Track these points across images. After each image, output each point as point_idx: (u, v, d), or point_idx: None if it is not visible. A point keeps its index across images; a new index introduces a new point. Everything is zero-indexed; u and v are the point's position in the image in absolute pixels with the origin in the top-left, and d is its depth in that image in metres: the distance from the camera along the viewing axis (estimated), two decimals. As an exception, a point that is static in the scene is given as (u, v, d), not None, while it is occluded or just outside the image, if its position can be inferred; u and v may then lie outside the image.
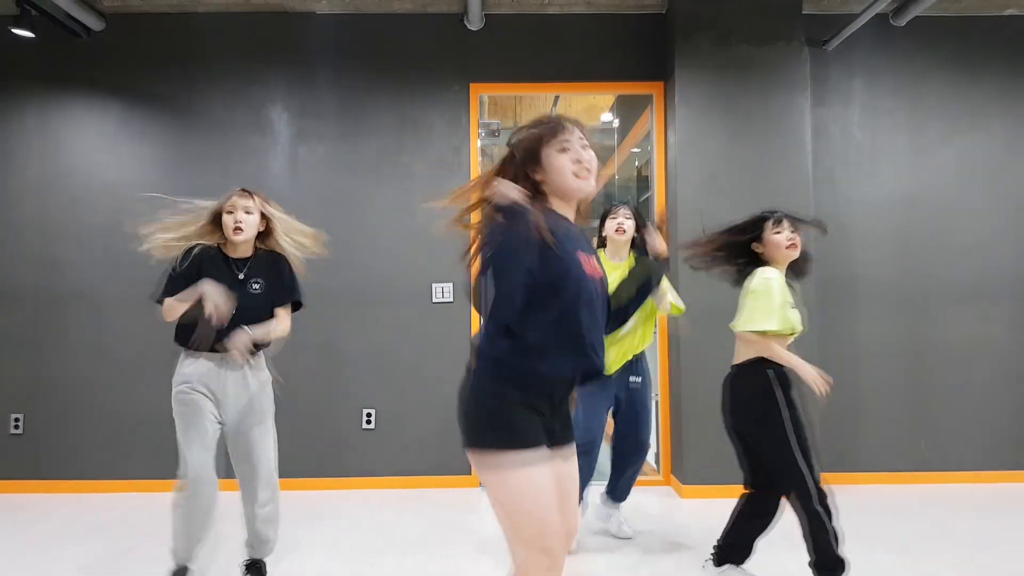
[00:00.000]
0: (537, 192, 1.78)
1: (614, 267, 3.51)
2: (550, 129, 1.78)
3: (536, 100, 6.37)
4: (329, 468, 4.71)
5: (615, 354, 3.48)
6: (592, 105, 6.43)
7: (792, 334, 2.78)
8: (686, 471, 4.45)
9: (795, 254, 2.85)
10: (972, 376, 4.79)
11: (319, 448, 4.70)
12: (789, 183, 4.56)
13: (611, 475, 3.72)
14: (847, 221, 4.84)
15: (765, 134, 4.57)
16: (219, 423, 2.90)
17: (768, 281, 2.73)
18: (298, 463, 4.50)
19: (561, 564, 1.75)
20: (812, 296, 4.51)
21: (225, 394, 2.87)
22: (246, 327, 2.80)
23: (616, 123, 6.33)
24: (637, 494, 4.49)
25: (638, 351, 3.58)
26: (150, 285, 4.73)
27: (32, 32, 4.45)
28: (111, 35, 4.84)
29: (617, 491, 3.70)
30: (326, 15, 4.87)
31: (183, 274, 2.84)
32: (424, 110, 4.86)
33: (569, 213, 1.84)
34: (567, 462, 1.86)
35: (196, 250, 2.89)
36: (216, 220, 2.91)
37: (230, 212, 2.88)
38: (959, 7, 4.88)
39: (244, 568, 3.04)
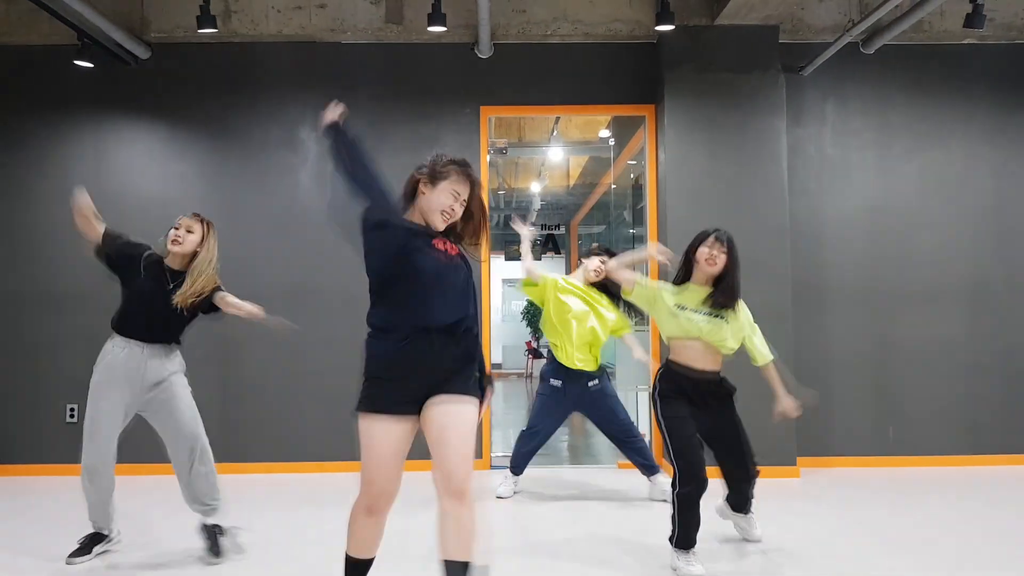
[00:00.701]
0: (412, 197, 2.37)
1: (575, 288, 4.36)
2: (460, 175, 2.33)
3: (537, 118, 6.92)
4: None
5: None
6: (591, 121, 6.98)
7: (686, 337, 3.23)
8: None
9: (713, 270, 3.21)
10: (932, 370, 5.31)
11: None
12: (766, 197, 5.08)
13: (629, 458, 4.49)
14: (820, 231, 5.37)
15: (745, 153, 5.10)
16: None
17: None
18: (332, 447, 5.03)
19: (377, 504, 2.29)
20: (788, 299, 5.03)
21: None
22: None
23: (612, 141, 6.87)
24: (628, 477, 5.02)
25: (592, 368, 4.35)
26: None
27: (91, 63, 5.00)
28: (157, 63, 5.39)
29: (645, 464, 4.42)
30: (351, 44, 5.41)
31: (127, 243, 3.43)
32: (439, 130, 5.40)
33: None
34: (441, 407, 2.28)
35: (148, 251, 3.41)
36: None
37: (176, 227, 3.38)
38: (923, 36, 5.41)
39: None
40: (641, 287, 3.34)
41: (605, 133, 6.93)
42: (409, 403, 2.31)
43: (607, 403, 4.36)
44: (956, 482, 4.79)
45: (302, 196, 5.35)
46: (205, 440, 3.47)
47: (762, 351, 3.34)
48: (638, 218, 7.24)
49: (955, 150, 5.43)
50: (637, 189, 7.15)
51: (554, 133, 6.90)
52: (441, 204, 2.31)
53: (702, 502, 3.13)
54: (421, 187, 2.35)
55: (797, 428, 5.06)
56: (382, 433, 2.27)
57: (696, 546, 3.14)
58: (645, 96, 5.44)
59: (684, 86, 5.11)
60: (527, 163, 9.65)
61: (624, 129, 6.63)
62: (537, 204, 11.51)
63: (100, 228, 3.39)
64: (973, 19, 4.45)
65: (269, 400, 5.28)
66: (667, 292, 3.29)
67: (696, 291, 3.26)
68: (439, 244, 2.33)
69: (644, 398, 5.76)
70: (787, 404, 3.27)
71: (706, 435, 3.26)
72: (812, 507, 4.15)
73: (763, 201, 5.07)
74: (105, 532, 3.45)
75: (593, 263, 4.38)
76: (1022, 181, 5.42)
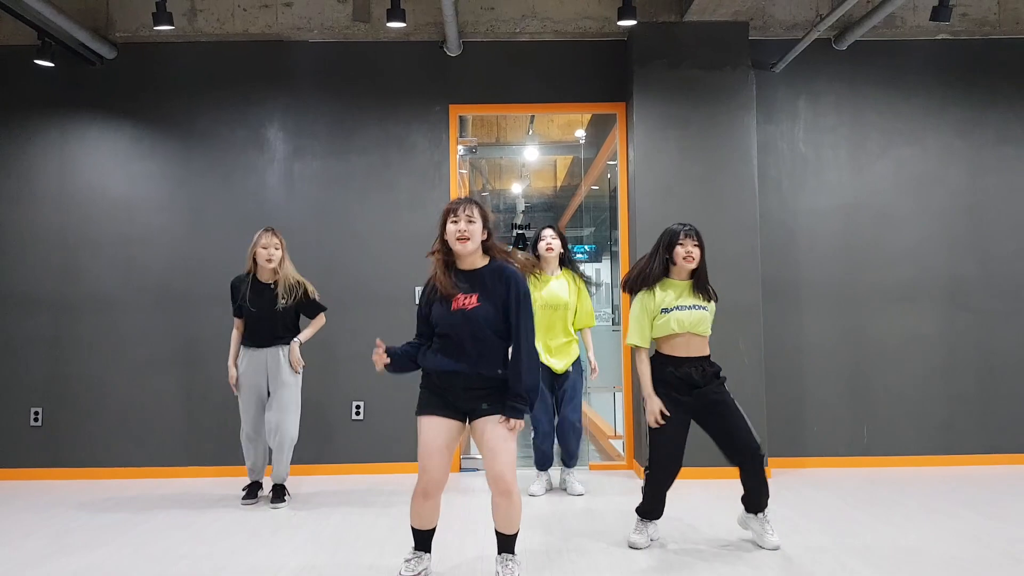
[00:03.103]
0: (447, 249, 2.87)
1: (546, 280, 4.53)
2: (451, 208, 2.84)
3: (518, 118, 6.88)
4: (321, 455, 5.17)
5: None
6: (570, 121, 6.93)
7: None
8: (645, 456, 4.91)
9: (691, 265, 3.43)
10: (907, 369, 5.25)
11: (313, 437, 5.16)
12: (736, 194, 5.03)
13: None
14: (793, 227, 5.32)
15: (715, 149, 5.05)
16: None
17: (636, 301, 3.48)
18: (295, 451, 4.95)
19: (428, 489, 2.83)
20: (759, 296, 4.97)
21: None
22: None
23: (583, 140, 6.81)
24: (601, 476, 4.94)
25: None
26: (158, 290, 5.23)
27: (52, 62, 4.94)
28: (123, 63, 5.34)
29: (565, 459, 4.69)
30: (318, 43, 5.36)
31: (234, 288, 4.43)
32: (408, 129, 5.34)
33: (471, 261, 2.89)
34: (482, 426, 2.84)
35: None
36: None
37: (264, 248, 4.33)
38: (895, 32, 5.36)
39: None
40: (640, 329, 3.42)
41: (580, 133, 6.88)
42: (451, 410, 2.87)
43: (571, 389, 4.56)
44: (932, 483, 4.72)
45: (269, 196, 5.29)
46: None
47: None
48: (613, 220, 7.20)
49: (930, 146, 5.38)
50: (613, 192, 7.10)
51: (529, 133, 6.84)
52: (450, 233, 2.83)
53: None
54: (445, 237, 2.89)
55: (769, 429, 5.00)
56: (429, 430, 2.85)
57: (658, 519, 3.52)
58: (616, 94, 5.39)
59: (654, 83, 5.06)
60: (509, 164, 9.59)
61: (602, 128, 6.59)
62: (521, 206, 11.46)
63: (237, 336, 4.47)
64: (939, 12, 4.40)
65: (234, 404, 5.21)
66: (651, 303, 3.41)
67: (677, 286, 3.44)
68: (458, 300, 2.82)
69: (622, 399, 5.71)
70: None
71: (700, 417, 3.41)
72: (786, 511, 4.07)
73: (733, 198, 5.02)
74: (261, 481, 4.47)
75: (544, 242, 4.55)
76: (997, 177, 5.37)
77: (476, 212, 2.83)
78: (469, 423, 2.89)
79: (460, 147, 5.47)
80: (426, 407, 2.88)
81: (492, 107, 5.44)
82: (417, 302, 3.00)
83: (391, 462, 5.16)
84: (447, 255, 2.88)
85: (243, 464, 4.46)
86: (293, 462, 4.51)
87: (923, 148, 5.39)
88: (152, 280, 5.29)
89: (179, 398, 5.22)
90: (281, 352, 4.33)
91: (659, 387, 3.37)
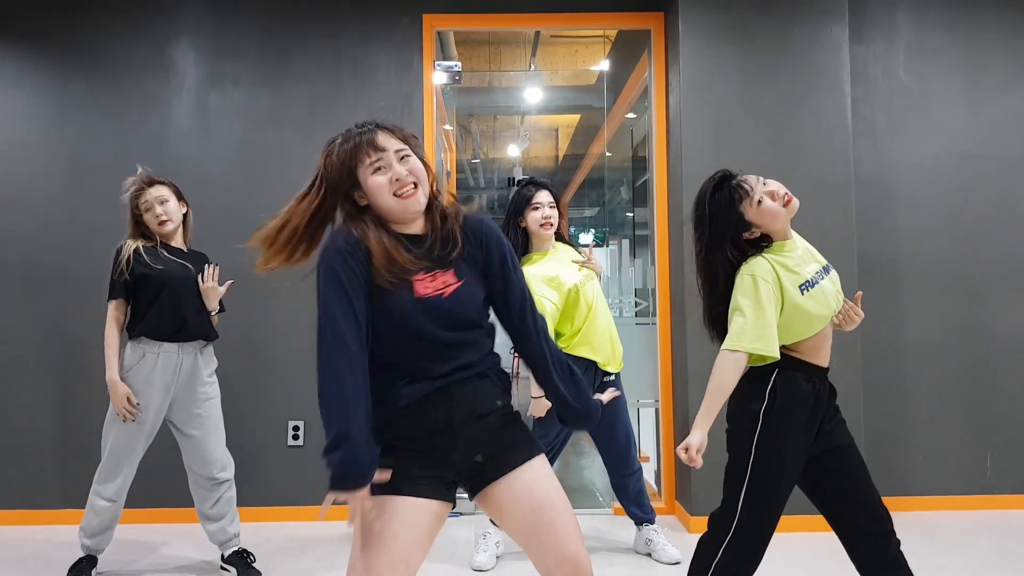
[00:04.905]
0: (368, 216, 1.59)
1: (541, 255, 3.09)
2: (356, 147, 1.57)
3: (515, 51, 5.43)
4: (247, 496, 3.76)
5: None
6: (579, 57, 5.49)
7: None
8: (695, 499, 3.53)
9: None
10: (1047, 376, 3.89)
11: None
12: (821, 136, 3.64)
13: None
14: (890, 184, 3.94)
15: (791, 74, 3.65)
16: None
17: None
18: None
19: None
20: (855, 277, 3.60)
21: None
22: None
23: (607, 68, 5.30)
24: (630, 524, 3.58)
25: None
26: (24, 265, 3.83)
27: None
28: (-22, -43, 3.90)
29: None
30: (245, -69, 3.93)
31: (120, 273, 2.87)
32: (366, 48, 3.92)
33: (418, 226, 1.62)
34: (521, 490, 1.54)
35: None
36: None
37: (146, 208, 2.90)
38: (1025, -77, 3.97)
39: None
40: (765, 326, 1.88)
41: (596, 67, 5.42)
42: (433, 484, 1.64)
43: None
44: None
45: (173, 135, 3.87)
46: None
47: None
48: (639, 197, 5.81)
49: (1072, 76, 4.00)
50: (638, 161, 5.70)
51: (532, 68, 5.37)
52: (379, 188, 1.57)
53: None
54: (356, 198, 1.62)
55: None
56: (402, 521, 1.56)
57: None
58: (649, 1, 3.98)
59: (705, -18, 3.66)
60: (505, 124, 8.19)
61: (621, 69, 5.17)
62: (518, 175, 10.03)
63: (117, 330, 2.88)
64: None
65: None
66: (781, 275, 1.93)
67: (793, 248, 2.00)
68: (423, 283, 1.57)
69: (647, 416, 4.32)
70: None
71: (821, 469, 2.00)
72: None
73: (817, 143, 3.63)
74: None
75: (539, 212, 3.05)
76: None
77: (401, 141, 1.61)
78: (474, 493, 1.60)
79: (438, 74, 4.04)
80: (400, 481, 1.50)
81: (481, 18, 4.01)
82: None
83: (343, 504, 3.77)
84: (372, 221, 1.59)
85: (147, 505, 3.09)
86: (184, 504, 3.14)
87: (1064, 78, 4.00)
88: (16, 253, 3.86)
89: (51, 416, 3.81)
90: (200, 351, 2.94)
91: (788, 417, 1.93)
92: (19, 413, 3.81)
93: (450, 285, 1.55)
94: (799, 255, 1.98)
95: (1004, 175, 3.98)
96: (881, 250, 3.91)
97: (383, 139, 1.57)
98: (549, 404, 2.33)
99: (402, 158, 1.57)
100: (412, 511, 1.48)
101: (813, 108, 3.66)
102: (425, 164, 1.61)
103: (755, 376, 1.95)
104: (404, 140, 1.60)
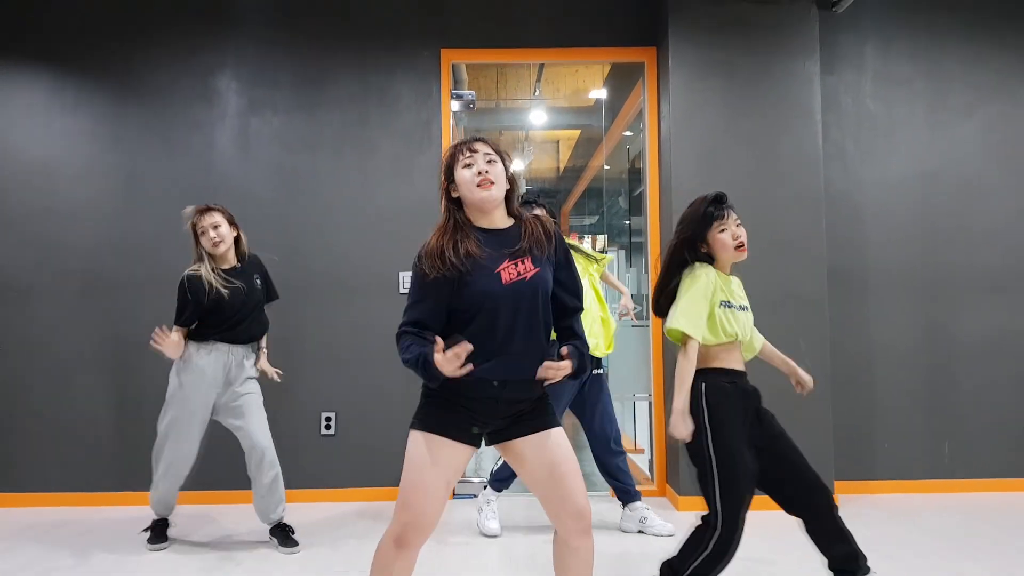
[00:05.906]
0: (459, 208, 2.02)
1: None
2: (457, 148, 2.03)
3: (520, 73, 5.88)
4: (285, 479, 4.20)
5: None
6: (580, 78, 5.95)
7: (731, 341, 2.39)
8: (683, 480, 3.97)
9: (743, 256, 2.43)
10: (1000, 374, 4.32)
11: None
12: (796, 159, 4.08)
13: None
14: (859, 201, 4.38)
15: (769, 104, 4.10)
16: None
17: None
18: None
19: (407, 535, 1.93)
20: (824, 285, 4.04)
21: None
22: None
23: (605, 94, 5.79)
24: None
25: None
26: (84, 274, 4.27)
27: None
28: (41, -3, 4.34)
29: None
30: (281, -27, 4.38)
31: (196, 304, 3.25)
32: (391, 79, 4.37)
33: (494, 220, 2.02)
34: (544, 448, 1.97)
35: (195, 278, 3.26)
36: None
37: (201, 232, 3.28)
38: (982, -35, 4.41)
39: None
40: (693, 316, 2.32)
41: (597, 93, 5.89)
42: (467, 433, 2.08)
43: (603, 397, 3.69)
44: (1034, 513, 3.82)
45: (216, 158, 4.32)
46: None
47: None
48: (635, 206, 6.24)
49: (1024, 103, 4.44)
50: (634, 173, 6.14)
51: (536, 92, 5.84)
52: (466, 180, 1.99)
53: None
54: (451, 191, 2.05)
55: (834, 445, 4.07)
56: (432, 457, 2.01)
57: None
58: (644, 36, 4.42)
59: (692, 21, 4.10)
60: (510, 139, 8.62)
61: (618, 92, 5.62)
62: (522, 188, 10.45)
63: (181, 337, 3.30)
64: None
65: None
66: (717, 285, 2.39)
67: (729, 280, 2.45)
68: (508, 269, 1.98)
69: (643, 409, 4.77)
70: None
71: (762, 457, 2.38)
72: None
73: (793, 165, 4.08)
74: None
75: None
76: (1105, 141, 4.43)
77: (492, 149, 2.02)
78: (495, 443, 2.05)
79: (454, 103, 4.49)
80: (435, 424, 1.97)
81: (493, 52, 4.46)
82: (406, 288, 2.12)
83: (371, 487, 4.22)
84: (456, 215, 2.03)
85: (190, 488, 3.51)
86: (242, 487, 3.58)
87: (1017, 104, 4.44)
88: (77, 263, 4.31)
89: (109, 407, 4.25)
90: (246, 352, 3.40)
91: (729, 415, 2.32)
92: (80, 405, 4.25)
93: (530, 271, 1.94)
94: (732, 286, 2.43)
95: (963, 192, 4.41)
96: (850, 260, 4.34)
97: (478, 145, 2.00)
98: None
99: (489, 161, 1.98)
100: (449, 448, 1.95)
101: (789, 134, 4.10)
102: (506, 169, 2.01)
103: (691, 395, 2.33)
104: (496, 151, 2.02)
